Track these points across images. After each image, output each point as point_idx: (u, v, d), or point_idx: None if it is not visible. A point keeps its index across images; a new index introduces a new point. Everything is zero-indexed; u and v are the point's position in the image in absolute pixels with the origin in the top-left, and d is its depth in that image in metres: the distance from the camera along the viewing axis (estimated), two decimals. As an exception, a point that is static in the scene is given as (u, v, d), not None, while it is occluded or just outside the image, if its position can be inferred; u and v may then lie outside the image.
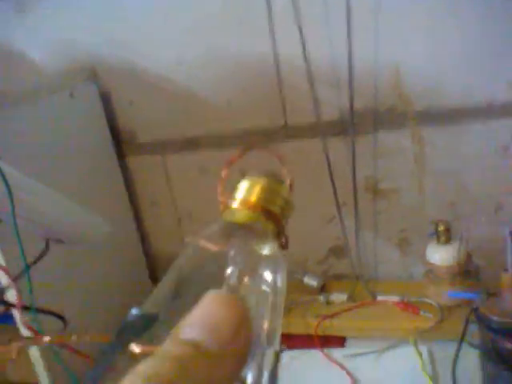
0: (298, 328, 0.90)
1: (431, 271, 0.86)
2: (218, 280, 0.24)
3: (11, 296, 0.62)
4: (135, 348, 0.19)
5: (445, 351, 0.80)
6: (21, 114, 0.82)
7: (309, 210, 0.95)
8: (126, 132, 1.06)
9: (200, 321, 0.19)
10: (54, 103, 0.91)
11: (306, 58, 0.86)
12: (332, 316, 0.90)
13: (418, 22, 0.82)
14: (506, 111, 0.82)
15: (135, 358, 0.18)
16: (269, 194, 0.29)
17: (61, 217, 0.69)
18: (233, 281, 0.24)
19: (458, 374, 0.66)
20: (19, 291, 0.57)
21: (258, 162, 0.38)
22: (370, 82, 0.86)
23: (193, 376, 0.17)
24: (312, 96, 0.89)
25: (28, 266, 0.61)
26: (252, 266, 0.26)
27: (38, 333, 0.54)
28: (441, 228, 0.83)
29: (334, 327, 0.90)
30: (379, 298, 0.92)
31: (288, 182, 0.31)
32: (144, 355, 0.18)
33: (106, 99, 1.02)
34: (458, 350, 0.62)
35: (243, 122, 0.96)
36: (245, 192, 0.29)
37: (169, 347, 0.18)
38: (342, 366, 0.83)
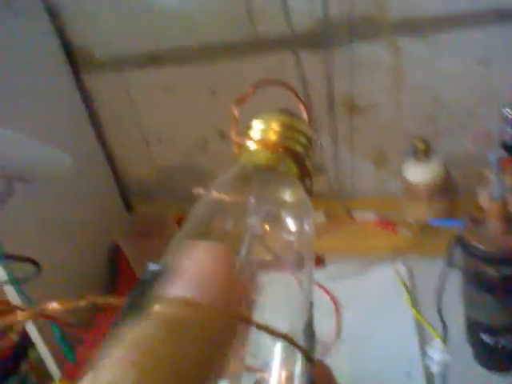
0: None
1: (409, 189, 0.84)
2: (238, 232, 0.22)
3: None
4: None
5: (423, 268, 0.81)
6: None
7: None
8: (81, 49, 0.96)
9: (189, 276, 0.18)
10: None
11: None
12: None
13: None
14: (484, 21, 0.76)
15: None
16: (290, 131, 0.26)
17: (18, 153, 0.63)
18: (255, 232, 0.22)
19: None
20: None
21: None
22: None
23: (185, 334, 0.17)
24: (282, 3, 0.80)
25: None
26: (276, 214, 0.23)
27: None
28: (420, 146, 0.80)
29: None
30: (356, 215, 0.91)
31: (307, 119, 0.28)
32: None
33: (53, 14, 0.92)
34: (445, 275, 0.61)
35: (208, 34, 0.88)
36: (262, 131, 0.26)
37: (159, 307, 0.18)
38: (322, 287, 0.83)
